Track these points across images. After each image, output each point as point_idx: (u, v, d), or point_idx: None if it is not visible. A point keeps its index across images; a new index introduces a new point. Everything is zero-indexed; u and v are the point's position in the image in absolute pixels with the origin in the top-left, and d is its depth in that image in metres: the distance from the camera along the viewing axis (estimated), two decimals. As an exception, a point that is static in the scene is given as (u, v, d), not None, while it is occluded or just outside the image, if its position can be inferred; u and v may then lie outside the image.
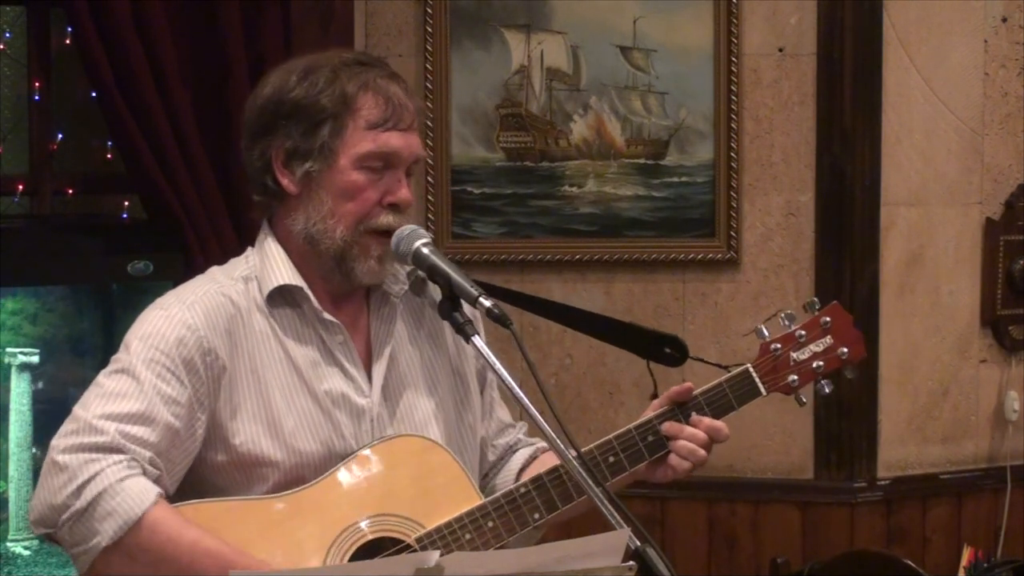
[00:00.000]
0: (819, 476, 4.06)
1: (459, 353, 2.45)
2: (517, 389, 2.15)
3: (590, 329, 2.50)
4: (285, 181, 2.32)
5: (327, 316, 2.32)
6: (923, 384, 4.11)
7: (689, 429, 2.35)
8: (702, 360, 2.43)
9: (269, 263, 2.33)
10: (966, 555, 3.81)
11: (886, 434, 4.08)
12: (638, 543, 2.01)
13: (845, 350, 2.41)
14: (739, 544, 4.08)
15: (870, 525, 4.04)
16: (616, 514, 2.06)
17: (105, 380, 2.24)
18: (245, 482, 2.27)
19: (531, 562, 1.94)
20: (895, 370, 4.02)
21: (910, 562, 3.46)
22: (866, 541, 3.99)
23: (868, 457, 4.05)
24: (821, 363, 2.40)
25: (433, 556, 1.89)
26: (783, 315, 2.41)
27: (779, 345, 2.39)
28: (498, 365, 2.16)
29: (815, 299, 2.44)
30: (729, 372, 2.40)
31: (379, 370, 2.36)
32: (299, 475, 2.26)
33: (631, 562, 2.00)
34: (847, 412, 4.02)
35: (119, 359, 2.25)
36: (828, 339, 2.41)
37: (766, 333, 2.40)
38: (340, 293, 2.35)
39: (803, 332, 2.40)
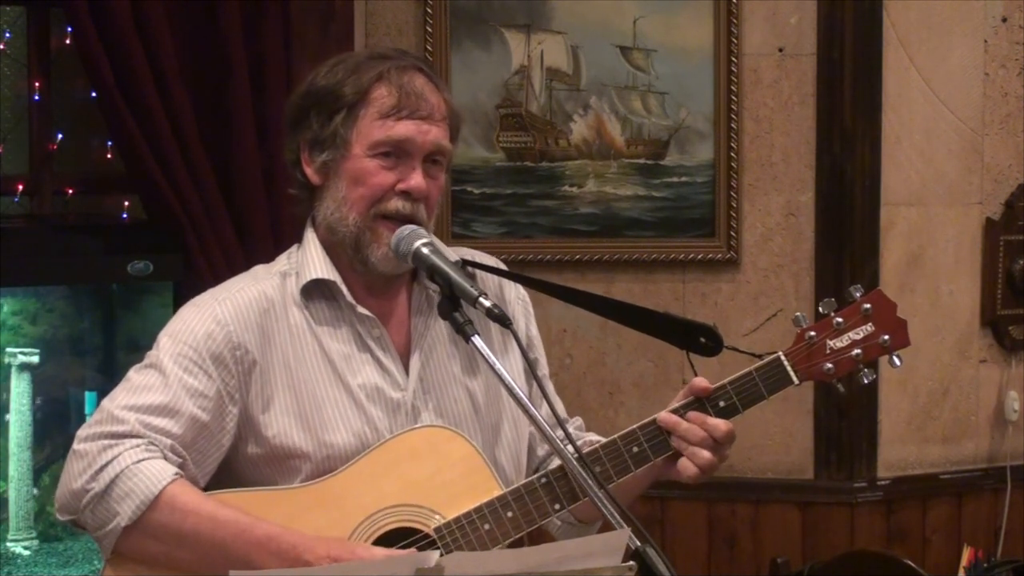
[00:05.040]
0: (819, 476, 4.06)
1: (502, 349, 2.44)
2: (516, 389, 2.16)
3: (625, 319, 2.47)
4: (309, 171, 2.36)
5: (362, 310, 2.34)
6: (923, 384, 4.11)
7: (684, 424, 2.30)
8: (736, 349, 2.39)
9: (307, 257, 2.36)
10: (966, 555, 3.81)
11: (886, 434, 4.08)
12: (638, 543, 2.01)
13: (887, 337, 2.34)
14: (739, 544, 4.08)
15: (870, 525, 4.04)
16: (616, 514, 2.06)
17: (134, 375, 2.29)
18: (278, 474, 2.30)
19: (531, 562, 1.94)
20: (895, 370, 4.01)
21: (910, 562, 3.45)
22: (866, 541, 3.99)
23: (868, 457, 4.05)
24: (860, 351, 2.33)
25: (433, 556, 1.89)
26: (824, 302, 2.35)
27: (814, 333, 2.33)
28: (498, 365, 2.17)
29: (858, 286, 2.38)
30: (761, 360, 2.35)
31: (416, 364, 2.37)
32: (331, 467, 2.28)
33: (631, 562, 2.00)
34: (847, 412, 4.02)
35: (149, 355, 2.31)
36: (869, 326, 2.34)
37: (803, 321, 2.35)
38: (376, 285, 2.37)
39: (841, 319, 2.34)
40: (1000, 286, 4.15)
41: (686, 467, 2.30)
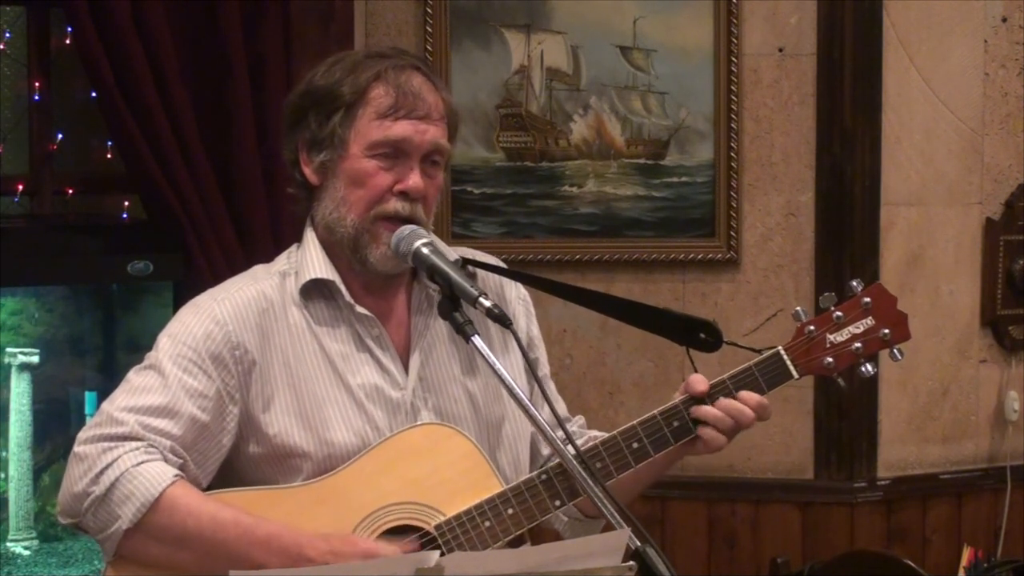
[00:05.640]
0: (819, 476, 4.06)
1: (503, 349, 2.44)
2: (516, 389, 2.16)
3: (624, 316, 2.47)
4: (308, 171, 2.37)
5: (360, 309, 2.34)
6: (923, 384, 4.11)
7: (736, 407, 2.32)
8: (736, 344, 2.39)
9: (306, 257, 2.36)
10: (966, 555, 3.81)
11: (886, 434, 4.08)
12: (638, 543, 2.01)
13: (887, 331, 2.33)
14: (739, 544, 4.08)
15: (870, 525, 4.04)
16: (616, 514, 2.06)
17: (133, 376, 2.29)
18: (280, 473, 2.30)
19: (531, 562, 1.94)
20: (895, 370, 4.02)
21: (910, 562, 3.45)
22: (866, 541, 3.99)
23: (868, 457, 4.05)
24: (860, 345, 2.33)
25: (433, 556, 1.90)
26: (824, 296, 2.35)
27: (814, 327, 2.33)
28: (498, 365, 2.17)
29: (858, 280, 2.37)
30: (760, 355, 2.35)
31: (415, 363, 2.37)
32: (332, 466, 2.29)
33: (631, 562, 2.00)
34: (847, 412, 4.02)
35: (148, 356, 2.31)
36: (869, 320, 2.33)
37: (803, 316, 2.34)
38: (375, 284, 2.37)
39: (841, 313, 2.33)
40: (1000, 286, 4.15)
41: (713, 440, 2.32)
